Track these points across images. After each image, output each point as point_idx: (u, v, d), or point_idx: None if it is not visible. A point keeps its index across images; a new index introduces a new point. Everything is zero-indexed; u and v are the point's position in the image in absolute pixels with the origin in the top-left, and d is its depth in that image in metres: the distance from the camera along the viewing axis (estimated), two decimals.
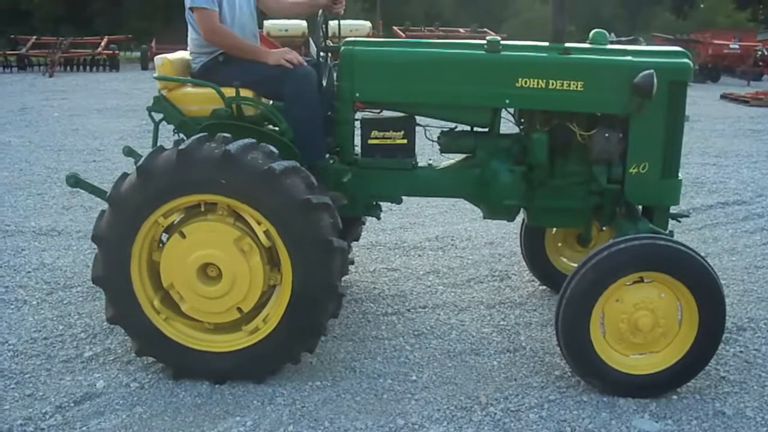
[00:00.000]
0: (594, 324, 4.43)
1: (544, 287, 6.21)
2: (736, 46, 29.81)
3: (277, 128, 4.89)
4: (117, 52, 31.44)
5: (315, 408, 4.37)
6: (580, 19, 34.57)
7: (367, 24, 25.24)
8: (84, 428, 4.18)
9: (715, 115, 18.25)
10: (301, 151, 4.80)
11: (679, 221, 5.45)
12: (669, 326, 4.47)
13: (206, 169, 4.34)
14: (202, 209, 4.57)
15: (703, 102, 20.93)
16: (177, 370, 4.68)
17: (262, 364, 4.62)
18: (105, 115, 16.47)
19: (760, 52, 29.92)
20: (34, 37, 30.87)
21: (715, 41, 30.18)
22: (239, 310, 4.57)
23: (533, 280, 6.34)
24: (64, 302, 5.86)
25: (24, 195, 9.19)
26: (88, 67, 29.96)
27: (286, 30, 21.10)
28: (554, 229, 6.05)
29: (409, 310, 5.78)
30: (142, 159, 4.51)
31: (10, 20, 34.81)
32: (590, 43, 5.14)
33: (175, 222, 4.65)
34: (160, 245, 4.64)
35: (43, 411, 4.33)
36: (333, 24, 5.57)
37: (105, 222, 4.53)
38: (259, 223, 4.45)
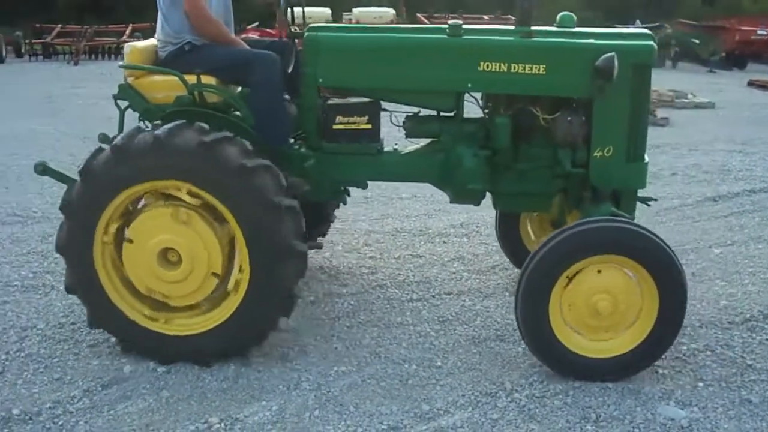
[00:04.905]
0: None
1: None
2: (764, 33, 29.49)
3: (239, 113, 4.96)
4: (141, 39, 31.49)
5: (340, 393, 4.39)
6: (606, 5, 34.32)
7: (391, 11, 25.18)
8: (111, 412, 4.22)
9: (741, 102, 18.13)
10: (264, 136, 4.87)
11: (649, 205, 5.40)
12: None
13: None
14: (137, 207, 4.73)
15: (729, 89, 20.79)
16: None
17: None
18: None
19: None
20: (59, 25, 31.01)
21: (742, 27, 29.84)
22: (215, 275, 4.62)
23: None
24: None
25: (50, 182, 9.13)
26: (112, 56, 30.08)
27: (310, 18, 21.12)
28: (531, 214, 6.01)
29: (433, 297, 5.78)
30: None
31: (36, 9, 34.97)
32: (558, 26, 5.11)
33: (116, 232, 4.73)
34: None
35: (72, 394, 4.37)
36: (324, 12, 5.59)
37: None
38: (179, 190, 4.54)
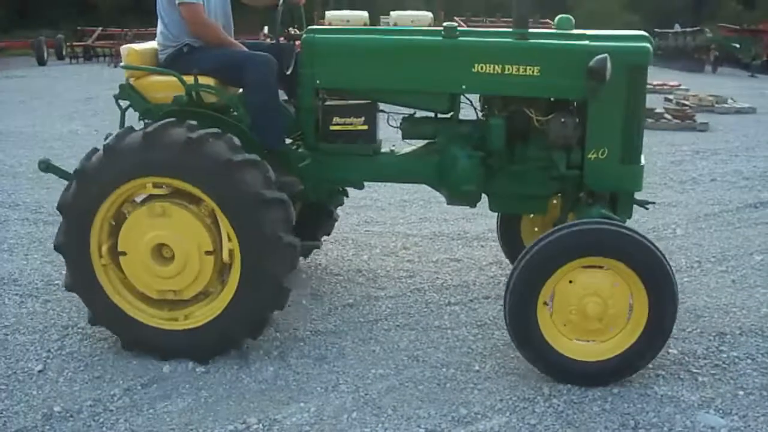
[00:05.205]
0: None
1: None
2: None
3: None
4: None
5: (378, 396, 4.39)
6: (646, 9, 34.04)
7: (429, 14, 25.15)
8: (151, 410, 4.26)
9: None
10: (260, 136, 4.97)
11: (647, 208, 5.40)
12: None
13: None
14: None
15: None
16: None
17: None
18: None
19: None
20: (100, 28, 31.35)
21: None
22: (209, 253, 4.68)
23: None
24: None
25: None
26: None
27: (348, 21, 21.18)
28: (531, 215, 5.99)
29: (471, 301, 5.76)
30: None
31: (77, 12, 35.41)
32: (556, 29, 5.12)
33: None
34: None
35: (112, 393, 4.42)
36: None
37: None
38: (144, 187, 4.65)
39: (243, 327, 4.72)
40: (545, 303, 4.45)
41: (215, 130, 4.63)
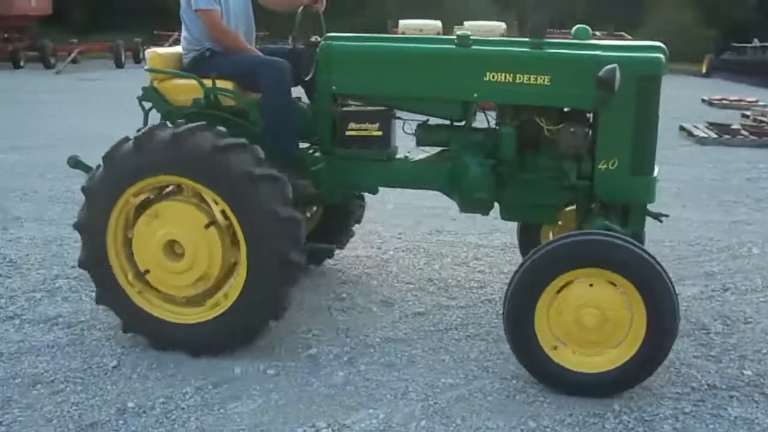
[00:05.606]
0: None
1: (682, 295, 6.03)
2: None
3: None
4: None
5: (447, 405, 4.38)
6: (722, 24, 33.42)
7: (502, 25, 25.05)
8: (221, 410, 4.30)
9: None
10: (275, 141, 5.07)
11: (660, 221, 5.29)
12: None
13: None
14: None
15: None
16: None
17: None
18: None
19: None
20: (176, 33, 31.77)
21: None
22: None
23: None
24: None
25: None
26: None
27: (421, 30, 21.19)
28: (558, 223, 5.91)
29: None
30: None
31: (155, 17, 36.01)
32: (573, 38, 5.14)
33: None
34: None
35: (183, 391, 4.48)
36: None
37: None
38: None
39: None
40: (554, 347, 4.49)
41: (242, 140, 4.72)
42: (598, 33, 29.18)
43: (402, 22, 21.01)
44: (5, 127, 13.92)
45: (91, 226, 4.89)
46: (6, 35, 26.21)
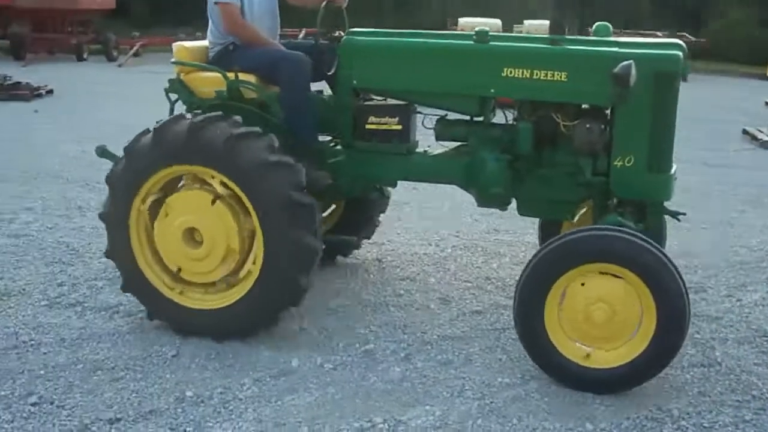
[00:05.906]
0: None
1: (743, 301, 5.94)
2: None
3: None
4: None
5: (504, 404, 4.36)
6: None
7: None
8: (279, 402, 4.33)
9: None
10: (294, 133, 5.18)
11: (678, 219, 5.23)
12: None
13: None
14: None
15: None
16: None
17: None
18: None
19: None
20: None
21: None
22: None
23: (730, 295, 6.09)
24: None
25: None
26: None
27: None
28: (574, 219, 5.83)
29: None
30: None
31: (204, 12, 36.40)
32: (594, 35, 5.15)
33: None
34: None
35: (241, 382, 4.52)
36: None
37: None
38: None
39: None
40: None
41: (256, 128, 4.84)
42: (659, 33, 28.89)
43: (462, 20, 20.97)
44: (69, 118, 14.19)
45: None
46: (70, 29, 26.63)
